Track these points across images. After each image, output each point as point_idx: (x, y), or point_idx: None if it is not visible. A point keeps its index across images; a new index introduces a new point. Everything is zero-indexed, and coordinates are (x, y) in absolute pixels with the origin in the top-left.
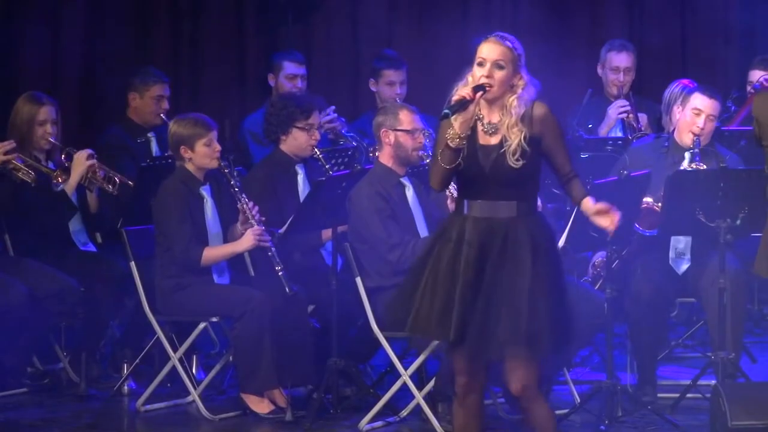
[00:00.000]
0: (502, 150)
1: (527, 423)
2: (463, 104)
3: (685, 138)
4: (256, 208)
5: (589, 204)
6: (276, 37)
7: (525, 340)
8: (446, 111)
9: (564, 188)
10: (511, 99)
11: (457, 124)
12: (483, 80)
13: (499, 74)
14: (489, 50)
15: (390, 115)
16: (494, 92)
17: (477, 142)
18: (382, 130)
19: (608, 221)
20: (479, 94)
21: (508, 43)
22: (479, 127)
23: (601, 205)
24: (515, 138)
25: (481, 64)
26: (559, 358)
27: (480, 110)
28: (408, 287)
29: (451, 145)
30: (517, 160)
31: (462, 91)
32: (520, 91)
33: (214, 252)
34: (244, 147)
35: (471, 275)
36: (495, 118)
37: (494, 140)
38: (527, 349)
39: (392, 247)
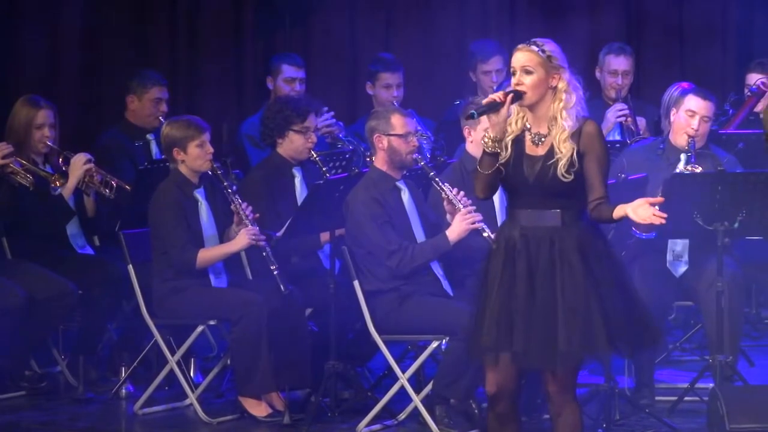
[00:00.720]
0: (549, 162)
1: (553, 427)
2: (492, 107)
3: (680, 140)
4: (250, 208)
5: (623, 207)
6: (273, 40)
7: (581, 349)
8: (472, 111)
9: (592, 214)
10: (560, 110)
11: (490, 128)
12: (516, 87)
13: (529, 79)
14: (516, 58)
15: (382, 120)
16: (530, 98)
17: (524, 152)
18: (375, 135)
19: (648, 212)
20: (510, 96)
21: (534, 47)
22: (527, 137)
23: (637, 201)
24: (566, 153)
25: (513, 74)
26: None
27: (528, 120)
28: (475, 312)
29: (486, 149)
30: (568, 173)
31: (494, 94)
32: (564, 95)
33: (209, 253)
34: (241, 150)
35: (523, 285)
36: (543, 129)
37: (541, 151)
38: (589, 357)
39: (391, 253)
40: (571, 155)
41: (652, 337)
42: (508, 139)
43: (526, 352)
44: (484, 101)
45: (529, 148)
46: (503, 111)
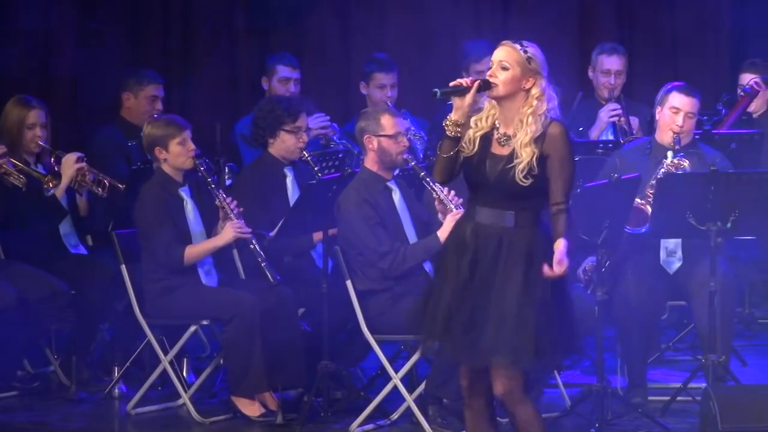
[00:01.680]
0: (511, 164)
1: (513, 426)
2: (457, 90)
3: (665, 137)
4: (234, 202)
5: (558, 246)
6: (268, 41)
7: (507, 350)
8: (435, 90)
9: (551, 218)
10: (528, 115)
11: (453, 111)
12: (489, 78)
13: (503, 74)
14: (496, 53)
15: (371, 121)
16: (499, 92)
17: (489, 150)
18: (365, 136)
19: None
20: (477, 84)
21: (517, 46)
22: (495, 136)
23: (559, 255)
24: (526, 157)
25: (491, 68)
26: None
27: (497, 120)
28: (425, 291)
29: (447, 132)
30: (526, 178)
31: (462, 79)
32: (535, 102)
33: (196, 249)
34: (235, 149)
35: (463, 279)
36: (510, 130)
37: (505, 151)
38: (509, 358)
39: (383, 255)
40: (531, 160)
41: (572, 346)
42: (477, 135)
43: (453, 345)
44: (451, 83)
45: (495, 147)
46: (468, 97)
